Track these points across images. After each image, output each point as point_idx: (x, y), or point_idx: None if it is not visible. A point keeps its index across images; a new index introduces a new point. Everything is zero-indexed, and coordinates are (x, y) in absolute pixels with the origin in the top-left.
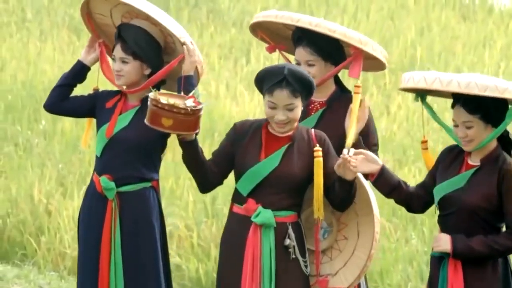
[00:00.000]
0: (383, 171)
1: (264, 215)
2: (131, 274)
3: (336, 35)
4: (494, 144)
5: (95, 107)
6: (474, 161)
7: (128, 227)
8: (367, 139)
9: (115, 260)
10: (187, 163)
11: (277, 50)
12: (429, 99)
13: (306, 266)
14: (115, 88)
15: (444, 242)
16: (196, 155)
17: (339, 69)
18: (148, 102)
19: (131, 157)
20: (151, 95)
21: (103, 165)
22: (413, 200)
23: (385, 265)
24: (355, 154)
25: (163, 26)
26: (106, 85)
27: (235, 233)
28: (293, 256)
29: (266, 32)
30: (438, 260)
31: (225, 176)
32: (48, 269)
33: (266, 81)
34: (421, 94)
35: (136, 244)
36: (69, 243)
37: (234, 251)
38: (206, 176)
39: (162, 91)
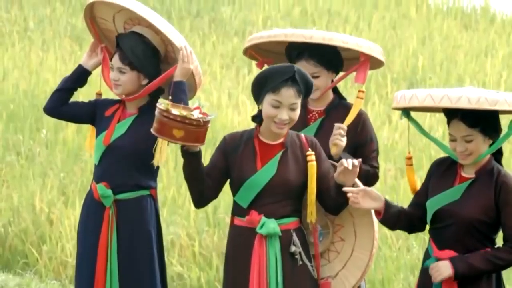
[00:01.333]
0: (387, 206)
1: (268, 225)
2: (126, 282)
3: (349, 46)
4: (487, 155)
5: (95, 115)
6: (468, 173)
7: (125, 235)
8: (366, 146)
9: (111, 268)
10: (188, 175)
11: (265, 65)
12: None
13: (313, 271)
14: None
15: (445, 269)
16: (198, 167)
17: (343, 77)
18: (157, 113)
19: (127, 165)
20: (162, 106)
21: (100, 172)
22: (414, 223)
23: (387, 273)
24: (357, 191)
25: (162, 33)
26: (108, 91)
27: (240, 246)
28: (300, 263)
29: (256, 48)
30: None
31: (220, 189)
32: (50, 278)
33: (272, 79)
34: (407, 110)
35: (132, 252)
36: (70, 252)
37: (240, 264)
38: (203, 189)
39: (161, 100)
